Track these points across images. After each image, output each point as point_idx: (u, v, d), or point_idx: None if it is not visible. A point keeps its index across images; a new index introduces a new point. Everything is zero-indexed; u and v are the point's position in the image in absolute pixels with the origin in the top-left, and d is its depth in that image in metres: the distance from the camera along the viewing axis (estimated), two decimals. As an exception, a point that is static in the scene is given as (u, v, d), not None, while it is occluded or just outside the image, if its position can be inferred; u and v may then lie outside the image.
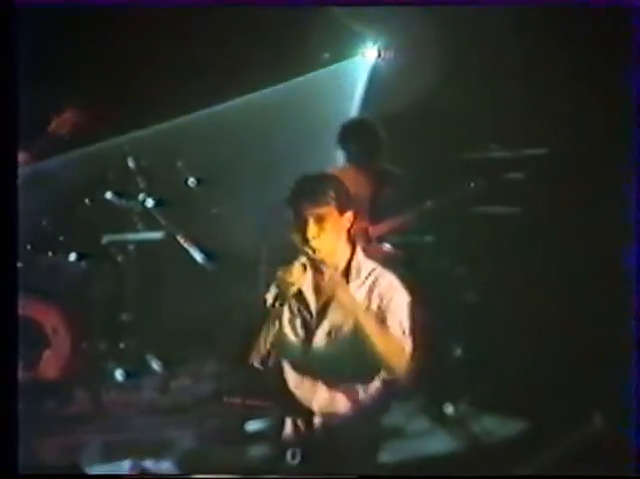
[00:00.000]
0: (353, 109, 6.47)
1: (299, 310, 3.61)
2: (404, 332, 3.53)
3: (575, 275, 5.11)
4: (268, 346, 3.57)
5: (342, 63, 6.55)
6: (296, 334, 3.61)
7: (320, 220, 3.48)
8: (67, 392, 5.50)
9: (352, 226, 3.60)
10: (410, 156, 5.65)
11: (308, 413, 3.60)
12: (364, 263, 3.61)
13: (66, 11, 5.06)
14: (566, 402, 4.67)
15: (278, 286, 3.47)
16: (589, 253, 5.07)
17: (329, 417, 3.58)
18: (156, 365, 5.74)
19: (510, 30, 5.41)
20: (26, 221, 5.80)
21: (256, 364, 3.59)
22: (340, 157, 5.76)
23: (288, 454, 3.56)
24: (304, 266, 3.49)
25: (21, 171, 6.00)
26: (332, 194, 3.51)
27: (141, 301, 5.97)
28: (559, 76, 5.31)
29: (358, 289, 3.56)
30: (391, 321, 3.52)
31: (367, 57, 6.49)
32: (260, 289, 5.67)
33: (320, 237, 3.49)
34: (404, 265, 5.11)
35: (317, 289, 3.60)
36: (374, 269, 3.60)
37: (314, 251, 3.49)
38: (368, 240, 5.21)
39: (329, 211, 3.50)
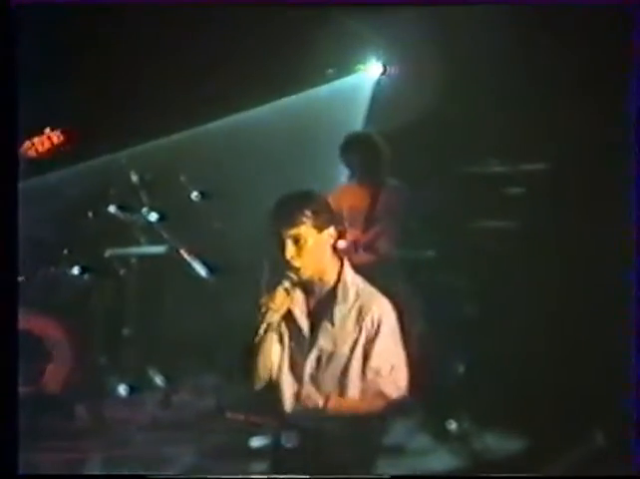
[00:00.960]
0: (357, 124, 6.48)
1: (292, 334, 3.61)
2: (389, 372, 3.54)
3: (576, 290, 5.09)
4: (266, 373, 3.57)
5: (346, 78, 6.56)
6: (291, 359, 3.61)
7: (297, 240, 3.48)
8: (69, 407, 5.49)
9: (336, 242, 3.58)
10: (411, 170, 5.65)
11: (305, 430, 3.58)
12: (352, 283, 3.58)
13: (64, 13, 4.99)
14: (569, 418, 4.64)
15: (262, 313, 3.48)
16: (590, 268, 5.05)
17: (328, 433, 3.56)
18: (158, 380, 5.73)
19: (511, 45, 5.42)
20: (29, 234, 5.84)
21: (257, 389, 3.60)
22: (343, 172, 5.76)
23: (283, 438, 3.56)
24: (287, 291, 3.49)
25: (24, 184, 6.07)
26: (307, 212, 3.49)
27: (143, 315, 5.96)
28: (560, 91, 5.31)
29: (345, 313, 3.55)
30: (375, 362, 3.53)
31: (371, 72, 6.51)
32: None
33: (301, 256, 3.48)
34: (404, 280, 5.12)
35: (308, 311, 3.59)
36: (362, 290, 3.58)
37: (297, 271, 3.49)
38: (355, 250, 5.19)
39: (305, 229, 3.48)
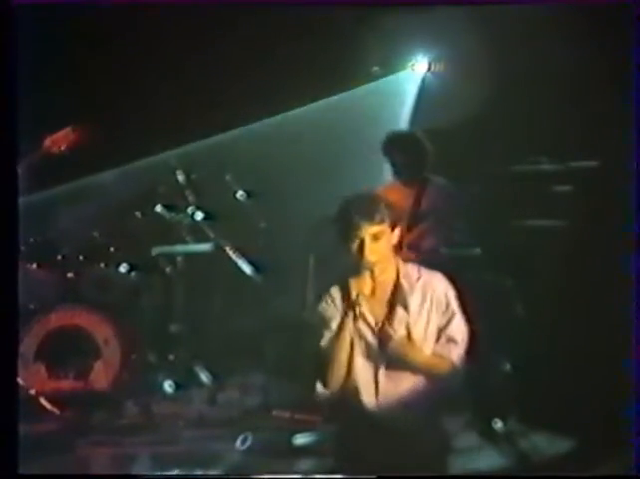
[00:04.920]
0: (402, 122, 6.47)
1: (361, 332, 3.63)
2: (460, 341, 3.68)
3: (626, 289, 5.02)
4: (342, 370, 3.59)
5: (391, 76, 6.55)
6: (362, 353, 3.62)
7: (376, 238, 3.56)
8: (116, 403, 5.56)
9: (400, 240, 3.69)
10: (458, 168, 5.63)
11: (353, 429, 3.58)
12: (408, 273, 3.65)
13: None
14: (617, 419, 4.58)
15: (353, 300, 3.54)
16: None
17: (382, 431, 3.56)
18: (205, 377, 5.76)
19: (560, 42, 5.36)
20: (79, 232, 5.93)
21: (333, 389, 3.59)
22: (389, 169, 5.74)
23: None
24: (372, 275, 3.59)
25: (74, 184, 6.17)
26: (386, 211, 3.59)
27: (190, 313, 6.01)
28: (609, 88, 5.24)
29: (417, 299, 3.63)
30: (453, 333, 3.65)
31: (416, 70, 6.49)
32: (308, 302, 5.69)
33: (377, 253, 3.57)
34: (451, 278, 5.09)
35: (373, 306, 3.63)
36: (418, 271, 3.67)
37: (372, 267, 3.57)
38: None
39: (384, 228, 3.57)
